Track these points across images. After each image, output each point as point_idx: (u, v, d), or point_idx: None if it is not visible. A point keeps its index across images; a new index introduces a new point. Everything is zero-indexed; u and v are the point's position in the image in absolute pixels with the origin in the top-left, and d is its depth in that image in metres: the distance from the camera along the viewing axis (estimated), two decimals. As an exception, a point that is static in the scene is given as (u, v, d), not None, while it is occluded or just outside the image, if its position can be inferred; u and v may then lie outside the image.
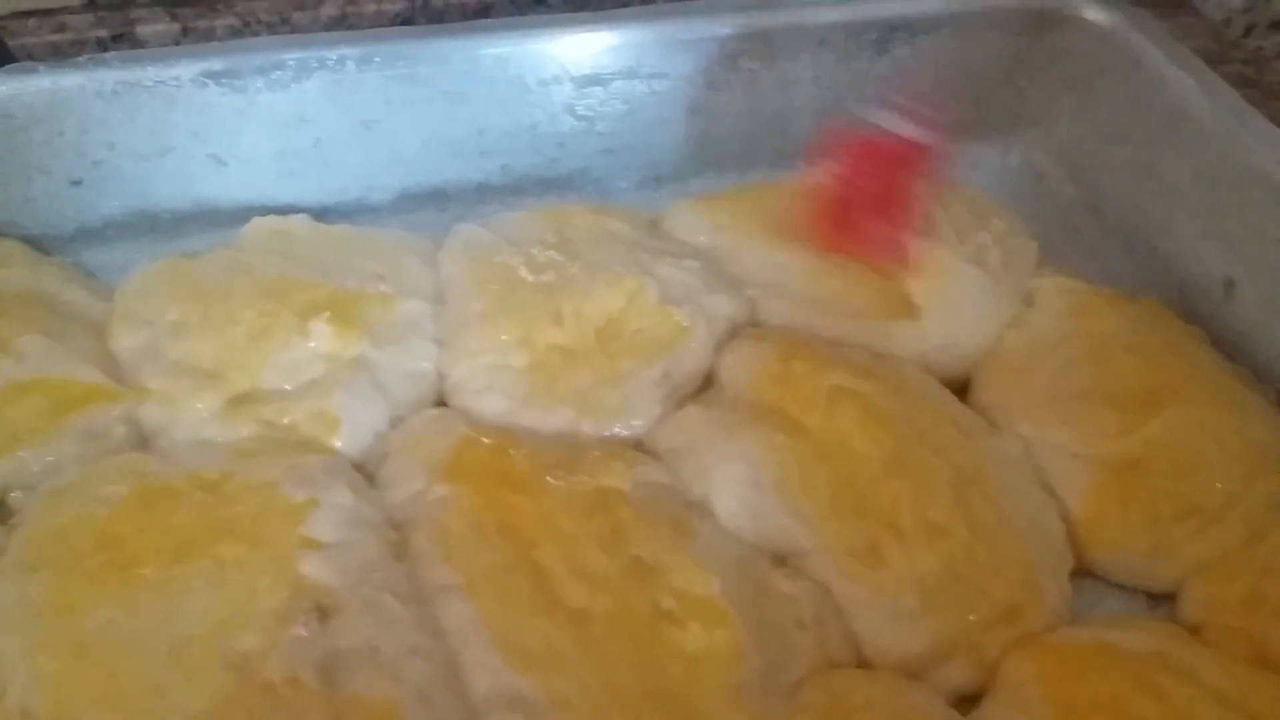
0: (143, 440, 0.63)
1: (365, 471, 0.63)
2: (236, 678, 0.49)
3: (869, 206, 0.73)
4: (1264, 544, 0.62)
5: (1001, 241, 0.77)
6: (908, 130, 0.71)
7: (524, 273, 0.70)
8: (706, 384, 0.71)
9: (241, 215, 0.76)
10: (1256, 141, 0.76)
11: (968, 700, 0.57)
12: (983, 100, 0.91)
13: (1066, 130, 0.92)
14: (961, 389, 0.72)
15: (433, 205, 0.83)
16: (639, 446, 0.66)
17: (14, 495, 0.59)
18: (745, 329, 0.73)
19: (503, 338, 0.67)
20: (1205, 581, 0.62)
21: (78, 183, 0.76)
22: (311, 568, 0.53)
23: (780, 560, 0.60)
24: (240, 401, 0.63)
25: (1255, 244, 0.76)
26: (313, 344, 0.64)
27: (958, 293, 0.73)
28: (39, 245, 0.75)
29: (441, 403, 0.68)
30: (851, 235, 0.73)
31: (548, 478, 0.60)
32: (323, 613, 0.52)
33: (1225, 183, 0.78)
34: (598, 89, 0.83)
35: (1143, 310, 0.75)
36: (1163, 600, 0.64)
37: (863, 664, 0.58)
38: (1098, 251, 0.86)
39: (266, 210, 0.76)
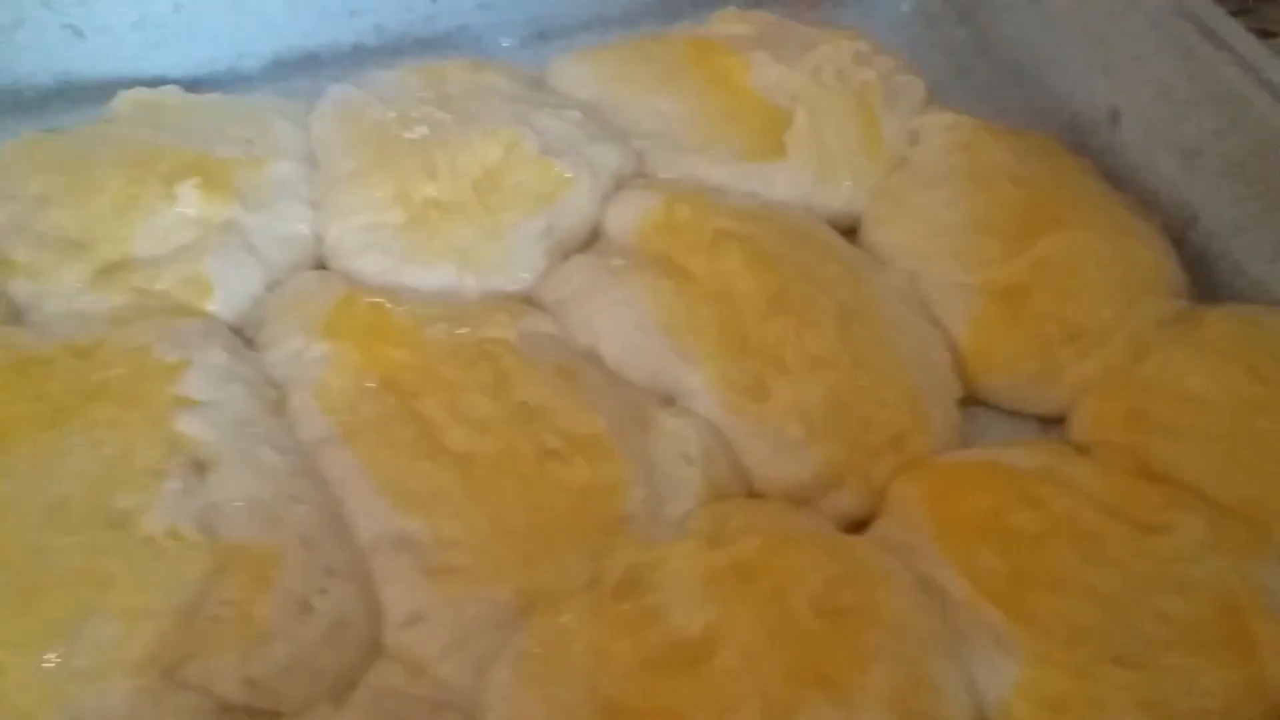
0: (15, 315, 0.61)
1: (244, 336, 0.62)
2: (116, 534, 0.49)
3: None
4: (1147, 362, 0.63)
5: (886, 80, 0.76)
6: None
7: (397, 129, 0.68)
8: (594, 237, 0.70)
9: (110, 90, 0.73)
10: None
11: (859, 525, 0.58)
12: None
13: (955, -29, 0.92)
14: (852, 230, 0.72)
15: (306, 71, 0.80)
16: (526, 300, 0.65)
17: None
18: (632, 180, 0.72)
19: (376, 195, 0.66)
20: (1092, 401, 0.63)
21: (-74, 61, 0.73)
22: (186, 424, 0.53)
23: (668, 401, 0.61)
24: (111, 270, 0.61)
25: (1137, 70, 0.76)
26: (181, 209, 0.63)
27: (838, 132, 0.72)
28: (-105, 128, 0.71)
29: (322, 266, 0.67)
30: None
31: (429, 330, 0.59)
32: (200, 467, 0.52)
33: (1107, 10, 0.78)
34: (469, -66, 0.80)
35: (1029, 142, 0.75)
36: (1054, 425, 0.65)
37: (753, 495, 0.59)
38: (990, 92, 0.86)
39: (135, 84, 0.73)
